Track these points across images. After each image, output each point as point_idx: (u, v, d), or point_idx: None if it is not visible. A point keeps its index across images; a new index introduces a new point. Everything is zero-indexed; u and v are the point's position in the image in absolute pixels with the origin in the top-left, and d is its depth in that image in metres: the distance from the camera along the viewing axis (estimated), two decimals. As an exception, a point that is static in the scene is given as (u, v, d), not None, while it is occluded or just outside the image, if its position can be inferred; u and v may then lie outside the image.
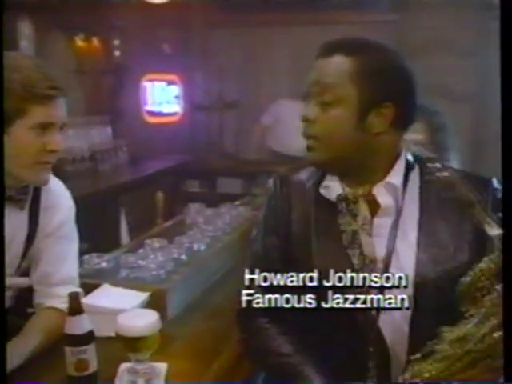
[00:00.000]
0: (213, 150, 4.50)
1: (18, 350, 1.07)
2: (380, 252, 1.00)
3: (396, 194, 1.02)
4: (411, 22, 3.88)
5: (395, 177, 1.02)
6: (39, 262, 1.19)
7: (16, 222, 1.16)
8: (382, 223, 1.01)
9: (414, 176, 1.04)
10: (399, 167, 1.03)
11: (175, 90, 4.67)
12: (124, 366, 1.07)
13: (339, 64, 0.98)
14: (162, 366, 1.07)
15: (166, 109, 4.62)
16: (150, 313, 1.07)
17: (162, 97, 4.57)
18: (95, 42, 3.90)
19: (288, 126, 3.28)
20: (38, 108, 1.08)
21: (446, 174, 1.02)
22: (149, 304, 1.24)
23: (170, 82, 4.63)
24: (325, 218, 1.04)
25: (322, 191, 1.06)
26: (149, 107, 4.48)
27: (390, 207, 1.01)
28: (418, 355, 0.88)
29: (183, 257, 1.52)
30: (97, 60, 3.93)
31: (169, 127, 4.53)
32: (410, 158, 1.06)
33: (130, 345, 1.03)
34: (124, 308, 1.15)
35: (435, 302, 0.96)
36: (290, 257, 1.06)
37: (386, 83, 0.98)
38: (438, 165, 1.04)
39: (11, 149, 1.07)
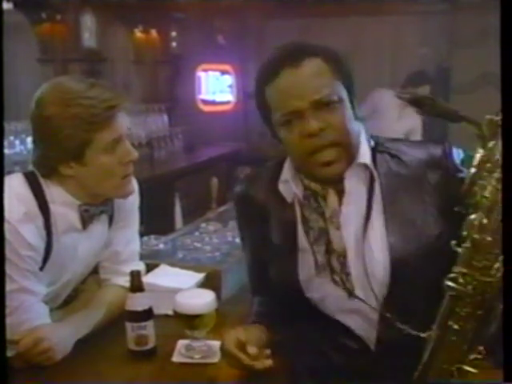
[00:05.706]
0: (265, 137, 4.50)
1: (86, 321, 1.14)
2: (349, 242, 0.96)
3: (366, 174, 0.96)
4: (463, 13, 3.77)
5: (365, 156, 0.96)
6: (110, 243, 1.24)
7: (100, 233, 1.19)
8: (350, 211, 0.96)
9: (375, 155, 0.98)
10: (364, 146, 0.97)
11: (229, 79, 4.71)
12: (181, 342, 1.10)
13: (317, 65, 0.92)
14: (216, 344, 1.09)
15: (219, 98, 4.67)
16: (207, 292, 1.10)
17: (215, 86, 4.63)
18: (153, 33, 4.00)
19: (385, 114, 3.27)
20: (102, 133, 1.05)
21: (400, 146, 1.00)
22: (204, 284, 1.28)
23: (223, 72, 4.68)
24: (285, 214, 1.00)
25: (280, 187, 1.01)
26: (202, 96, 4.55)
27: (356, 192, 0.96)
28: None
29: (237, 240, 1.55)
30: (154, 51, 4.03)
31: (222, 115, 4.59)
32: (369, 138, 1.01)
33: (187, 322, 1.07)
34: (181, 287, 1.19)
35: (412, 284, 0.93)
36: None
37: (346, 70, 0.96)
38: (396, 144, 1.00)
39: (92, 176, 1.08)
